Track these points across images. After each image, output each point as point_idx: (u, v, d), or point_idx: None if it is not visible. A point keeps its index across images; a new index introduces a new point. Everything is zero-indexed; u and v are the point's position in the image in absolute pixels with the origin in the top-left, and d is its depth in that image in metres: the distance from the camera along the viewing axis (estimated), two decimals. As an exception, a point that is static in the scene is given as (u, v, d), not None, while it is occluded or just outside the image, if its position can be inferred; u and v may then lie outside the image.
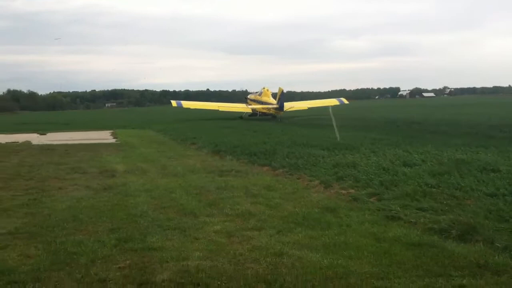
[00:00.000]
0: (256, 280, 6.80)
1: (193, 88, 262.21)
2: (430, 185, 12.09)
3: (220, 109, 59.69)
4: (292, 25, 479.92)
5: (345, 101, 65.05)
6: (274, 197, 12.18)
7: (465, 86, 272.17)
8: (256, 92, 61.91)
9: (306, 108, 62.20)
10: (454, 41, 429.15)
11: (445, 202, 10.54)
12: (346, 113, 53.59)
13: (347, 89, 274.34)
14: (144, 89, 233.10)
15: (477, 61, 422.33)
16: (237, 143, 24.66)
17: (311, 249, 8.04)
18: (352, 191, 12.43)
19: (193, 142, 27.77)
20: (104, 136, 35.63)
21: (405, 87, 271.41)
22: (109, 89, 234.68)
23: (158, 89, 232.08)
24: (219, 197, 12.23)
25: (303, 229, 9.20)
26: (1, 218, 10.66)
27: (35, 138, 35.18)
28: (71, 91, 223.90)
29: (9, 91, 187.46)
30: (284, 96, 54.32)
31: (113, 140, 31.96)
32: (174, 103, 62.25)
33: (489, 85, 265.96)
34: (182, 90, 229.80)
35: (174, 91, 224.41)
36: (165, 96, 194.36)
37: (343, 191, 12.49)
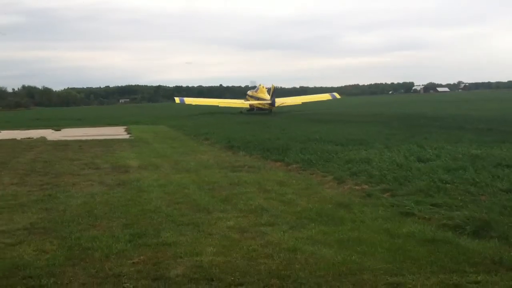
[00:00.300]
0: (269, 276, 6.80)
1: (206, 84, 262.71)
2: (444, 181, 12.00)
3: (220, 105, 63.78)
4: (305, 21, 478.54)
5: (337, 96, 69.95)
6: (287, 192, 12.17)
7: (480, 81, 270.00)
8: (254, 89, 65.58)
9: (300, 103, 66.63)
10: (469, 35, 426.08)
11: (459, 198, 10.45)
12: (360, 109, 53.42)
13: (360, 84, 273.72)
14: (157, 85, 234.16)
15: (492, 55, 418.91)
16: (250, 138, 24.70)
17: (325, 245, 8.02)
18: (365, 186, 12.37)
19: (206, 137, 27.82)
20: (118, 132, 35.81)
21: (419, 82, 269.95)
22: (123, 85, 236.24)
23: (171, 85, 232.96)
24: (232, 193, 12.25)
25: (317, 225, 9.18)
26: (16, 213, 10.77)
27: (49, 134, 35.47)
28: (85, 87, 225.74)
29: (24, 87, 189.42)
30: (275, 92, 59.19)
31: (127, 136, 32.10)
32: (177, 99, 67.32)
33: (504, 79, 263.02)
34: (196, 85, 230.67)
35: (188, 87, 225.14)
36: (179, 91, 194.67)
37: (357, 187, 12.44)
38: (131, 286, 6.61)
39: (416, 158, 15.67)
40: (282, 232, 8.80)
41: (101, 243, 8.33)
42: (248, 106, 61.48)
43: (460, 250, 7.59)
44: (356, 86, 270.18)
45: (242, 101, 65.48)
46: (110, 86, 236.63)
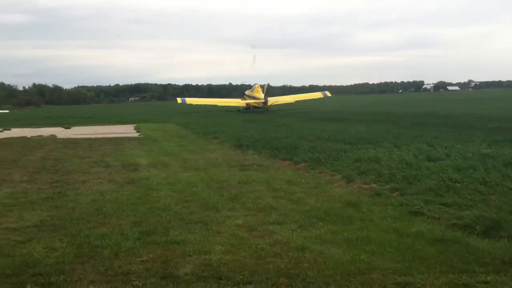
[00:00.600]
0: (278, 275, 6.79)
1: (215, 82, 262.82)
2: (454, 180, 11.94)
3: (218, 104, 68.84)
4: (315, 19, 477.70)
5: (329, 94, 75.07)
6: (295, 191, 12.15)
7: (491, 80, 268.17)
8: (251, 89, 69.45)
9: (293, 101, 70.18)
10: (480, 34, 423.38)
11: (469, 197, 10.40)
12: (369, 108, 53.31)
13: (370, 82, 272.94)
14: (167, 83, 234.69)
15: (503, 53, 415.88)
16: (259, 137, 24.70)
17: (333, 244, 8.00)
18: (374, 185, 12.33)
19: (215, 136, 27.85)
20: (127, 130, 35.94)
21: (429, 81, 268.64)
22: (133, 83, 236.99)
23: (180, 83, 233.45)
24: (241, 191, 12.25)
25: (325, 224, 9.17)
26: (26, 211, 10.83)
27: (59, 132, 35.67)
28: (95, 85, 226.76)
29: (34, 85, 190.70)
30: (268, 91, 63.82)
31: (136, 134, 32.20)
32: (179, 100, 71.35)
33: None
34: (205, 84, 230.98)
35: (197, 85, 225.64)
36: (188, 90, 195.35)
37: (366, 186, 12.41)
38: (140, 284, 6.63)
39: (426, 157, 15.61)
40: (290, 231, 8.79)
41: (110, 241, 8.35)
42: (245, 105, 65.00)
43: (469, 250, 7.55)
44: (365, 85, 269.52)
45: (239, 100, 69.49)
46: (120, 84, 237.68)
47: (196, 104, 71.93)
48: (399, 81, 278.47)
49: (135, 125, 41.96)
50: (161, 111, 72.46)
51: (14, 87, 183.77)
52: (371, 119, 37.88)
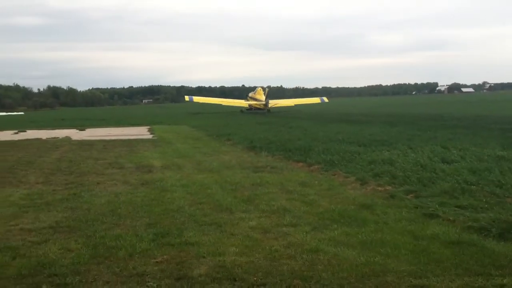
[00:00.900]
0: (292, 277, 6.79)
1: (228, 84, 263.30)
2: (469, 182, 11.85)
3: (223, 104, 74.01)
4: (328, 21, 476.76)
5: (326, 100, 79.89)
6: (309, 193, 12.14)
7: (506, 81, 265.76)
8: (254, 91, 73.72)
9: (293, 104, 74.27)
10: (494, 35, 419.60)
11: (484, 199, 10.31)
12: (382, 110, 53.07)
13: (384, 84, 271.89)
14: (180, 85, 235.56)
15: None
16: (272, 139, 24.70)
17: (348, 246, 7.98)
18: (389, 188, 12.28)
19: (228, 138, 27.88)
20: (141, 132, 36.13)
21: (443, 82, 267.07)
22: (146, 85, 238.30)
23: (194, 85, 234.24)
24: (254, 193, 12.25)
25: (339, 226, 9.14)
26: (42, 212, 10.92)
27: (74, 134, 35.94)
28: (109, 87, 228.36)
29: (49, 87, 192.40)
30: (269, 94, 67.99)
31: (150, 136, 32.35)
32: (186, 98, 76.94)
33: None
34: (218, 86, 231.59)
35: (210, 87, 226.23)
36: (201, 92, 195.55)
37: (380, 188, 12.35)
38: (155, 285, 6.66)
39: (441, 159, 15.51)
40: (304, 233, 8.78)
41: (125, 242, 8.40)
42: (247, 106, 68.83)
43: (485, 252, 7.49)
44: (378, 87, 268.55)
45: (242, 101, 73.92)
46: (134, 86, 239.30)
47: (203, 103, 77.90)
48: (412, 82, 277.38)
49: (148, 127, 42.17)
50: (175, 113, 72.83)
51: (29, 89, 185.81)
52: (384, 121, 37.70)
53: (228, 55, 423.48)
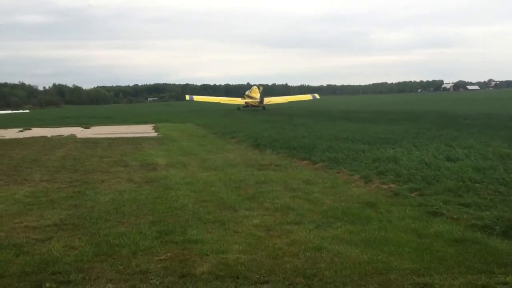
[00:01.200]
0: (295, 274, 6.79)
1: (233, 82, 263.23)
2: (473, 180, 11.82)
3: (221, 102, 76.39)
4: (333, 18, 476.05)
5: (318, 96, 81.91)
6: (313, 191, 12.13)
7: (511, 79, 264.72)
8: (250, 90, 76.84)
9: (287, 101, 77.70)
10: (500, 32, 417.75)
11: (489, 197, 10.29)
12: (388, 107, 52.98)
13: (389, 82, 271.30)
14: (185, 83, 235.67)
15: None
16: (277, 137, 24.68)
17: (351, 244, 7.98)
18: (393, 186, 12.26)
19: (233, 136, 27.89)
20: (146, 130, 36.17)
21: (449, 80, 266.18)
22: (151, 83, 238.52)
23: (199, 83, 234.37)
24: (258, 191, 12.26)
25: (343, 224, 9.14)
26: (46, 209, 10.96)
27: (79, 132, 36.00)
28: (114, 85, 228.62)
29: (54, 85, 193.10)
30: (264, 92, 70.88)
31: (155, 134, 32.39)
32: (187, 97, 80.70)
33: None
34: (223, 84, 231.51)
35: (215, 85, 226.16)
36: (206, 89, 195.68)
37: (384, 186, 12.34)
38: (158, 283, 6.68)
39: (445, 157, 15.47)
40: (308, 231, 8.78)
41: (129, 240, 8.42)
42: (244, 103, 71.19)
43: (489, 250, 7.48)
44: (384, 84, 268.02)
45: (239, 99, 75.41)
46: (139, 84, 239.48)
47: (203, 101, 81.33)
48: (418, 80, 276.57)
49: (153, 125, 42.21)
50: (180, 111, 72.84)
51: (34, 87, 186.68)
52: (389, 119, 37.63)
53: (233, 53, 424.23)
